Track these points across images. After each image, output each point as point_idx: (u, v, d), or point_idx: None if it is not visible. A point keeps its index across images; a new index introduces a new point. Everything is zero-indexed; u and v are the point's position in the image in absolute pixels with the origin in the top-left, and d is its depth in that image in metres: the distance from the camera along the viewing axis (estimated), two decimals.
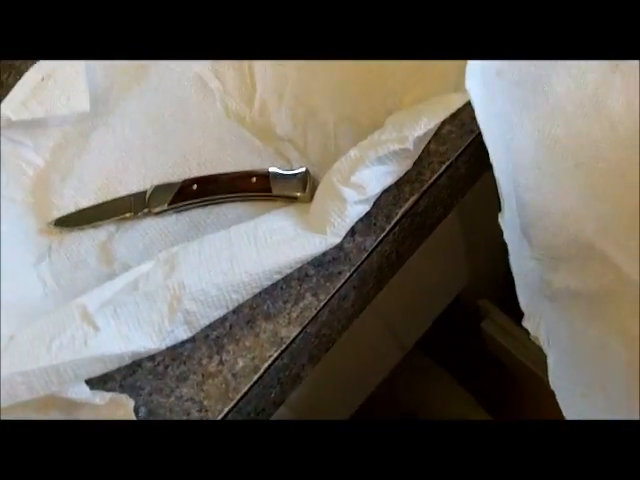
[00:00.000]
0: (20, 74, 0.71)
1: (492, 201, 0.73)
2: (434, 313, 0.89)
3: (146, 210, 0.58)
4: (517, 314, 0.87)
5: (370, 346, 0.81)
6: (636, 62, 0.54)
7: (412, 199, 0.54)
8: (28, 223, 0.61)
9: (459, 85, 0.54)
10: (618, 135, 0.52)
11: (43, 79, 0.61)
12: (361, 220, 0.52)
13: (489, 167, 0.61)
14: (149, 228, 0.58)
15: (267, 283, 0.50)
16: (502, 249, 0.85)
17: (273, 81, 0.60)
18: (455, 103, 0.49)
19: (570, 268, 0.51)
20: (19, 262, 0.58)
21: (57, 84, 0.61)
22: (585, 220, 0.51)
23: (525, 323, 0.48)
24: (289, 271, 0.50)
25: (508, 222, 0.49)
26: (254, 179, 0.56)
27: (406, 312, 0.78)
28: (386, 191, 0.53)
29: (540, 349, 0.84)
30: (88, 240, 0.59)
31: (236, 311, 0.52)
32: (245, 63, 0.61)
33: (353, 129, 0.57)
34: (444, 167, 0.55)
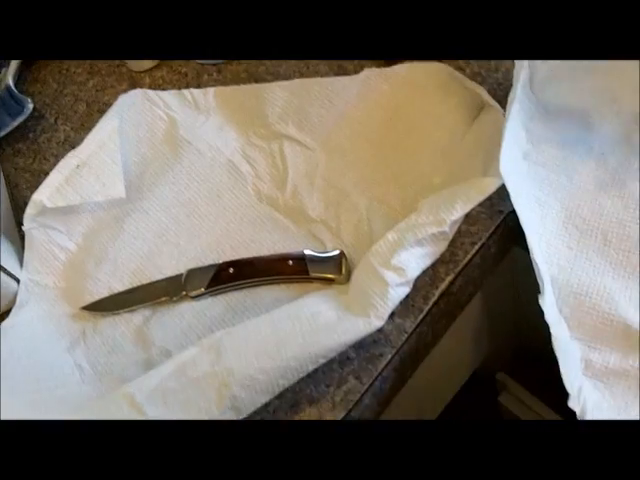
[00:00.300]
0: (45, 159, 0.73)
1: (510, 275, 0.75)
2: (455, 387, 0.89)
3: (182, 294, 0.58)
4: (534, 387, 0.88)
5: None
6: None
7: (448, 279, 0.55)
8: (60, 308, 0.61)
9: (487, 168, 0.57)
10: None
11: (78, 166, 0.63)
12: (400, 302, 0.53)
13: (516, 244, 0.63)
14: (186, 312, 0.58)
15: (312, 367, 0.51)
16: (520, 321, 0.86)
17: (304, 165, 0.62)
18: (489, 187, 0.51)
19: (609, 347, 0.52)
20: (53, 348, 0.59)
21: (92, 171, 0.62)
22: (619, 298, 0.52)
23: (570, 404, 0.49)
24: (334, 355, 0.51)
25: (547, 303, 0.50)
26: (290, 262, 0.57)
27: (429, 388, 0.78)
28: (422, 272, 0.54)
29: None
30: (123, 325, 0.59)
31: (279, 395, 0.52)
32: (276, 148, 0.64)
33: (384, 211, 0.59)
34: (477, 247, 0.56)
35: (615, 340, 0.51)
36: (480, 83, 0.64)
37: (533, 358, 0.86)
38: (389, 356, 0.53)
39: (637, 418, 0.50)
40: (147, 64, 0.76)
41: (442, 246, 0.54)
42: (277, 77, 0.70)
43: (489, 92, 0.62)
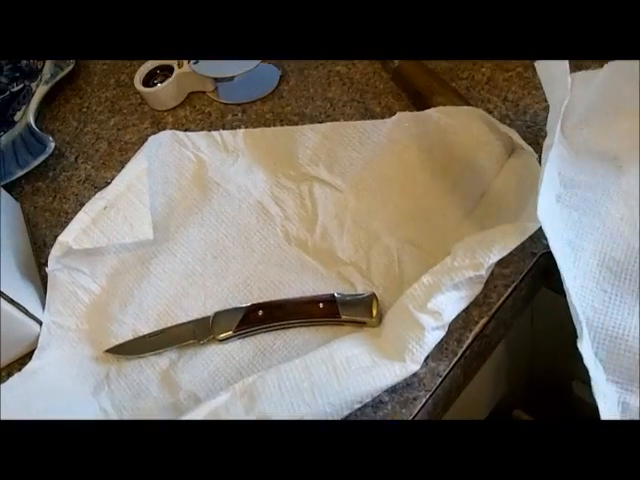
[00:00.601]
0: (65, 198, 0.73)
1: (530, 314, 0.74)
2: None
3: (210, 337, 0.58)
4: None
5: None
6: None
7: (482, 322, 0.55)
8: (83, 351, 0.60)
9: (519, 211, 0.57)
10: None
11: (106, 208, 0.62)
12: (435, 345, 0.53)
13: (544, 285, 0.63)
14: (213, 355, 0.57)
15: (347, 412, 0.50)
16: (535, 359, 0.85)
17: (333, 207, 0.62)
18: (527, 231, 0.51)
19: None
20: (77, 392, 0.58)
21: (120, 213, 0.62)
22: None
23: None
24: (368, 400, 0.51)
25: (585, 347, 0.50)
26: (321, 304, 0.57)
27: None
28: (456, 315, 0.54)
29: None
30: (148, 368, 0.58)
31: None
32: (305, 190, 0.64)
33: (415, 253, 0.59)
34: (510, 290, 0.56)
35: None
36: (509, 125, 0.64)
37: (548, 395, 0.86)
38: (423, 400, 0.52)
39: None
40: (170, 103, 0.77)
41: (477, 289, 0.54)
42: (303, 117, 0.71)
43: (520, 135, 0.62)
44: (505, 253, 0.52)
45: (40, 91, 0.82)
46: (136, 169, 0.65)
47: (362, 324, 0.56)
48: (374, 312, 0.56)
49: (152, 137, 0.67)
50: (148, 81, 0.78)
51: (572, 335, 0.50)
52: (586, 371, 0.50)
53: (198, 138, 0.68)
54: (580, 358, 0.50)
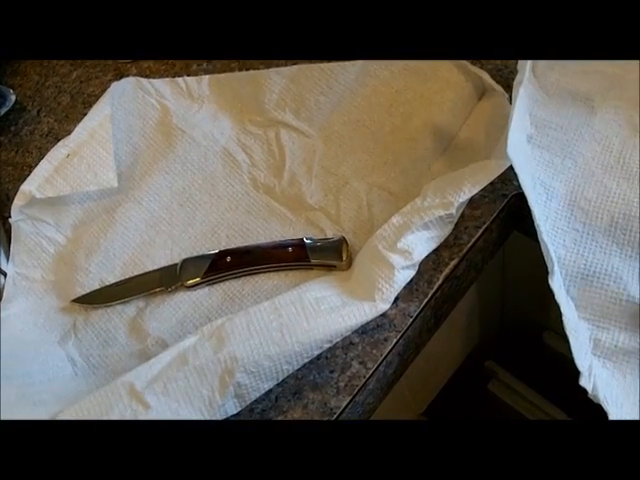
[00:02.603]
0: (28, 152, 0.73)
1: (501, 261, 0.76)
2: (446, 375, 0.90)
3: (178, 284, 0.58)
4: (522, 373, 0.90)
5: (382, 414, 0.81)
6: None
7: (452, 263, 0.56)
8: (50, 302, 0.61)
9: (489, 152, 0.57)
10: None
11: (69, 156, 0.62)
12: (404, 286, 0.54)
13: (515, 228, 0.64)
14: (181, 302, 0.58)
15: (317, 352, 0.51)
16: (508, 308, 0.87)
17: (301, 152, 0.63)
18: (497, 169, 0.52)
19: (617, 326, 0.52)
20: (44, 341, 0.58)
21: (83, 160, 0.62)
22: (627, 278, 0.53)
23: (582, 382, 0.49)
24: (338, 339, 0.51)
25: (556, 284, 0.51)
26: (290, 249, 0.57)
27: (422, 376, 0.79)
28: (426, 257, 0.55)
29: (545, 409, 0.86)
30: (116, 316, 0.59)
31: (281, 383, 0.52)
32: (272, 135, 0.64)
33: (385, 196, 0.60)
34: (480, 231, 0.57)
35: (624, 319, 0.52)
36: (480, 68, 0.65)
37: (520, 345, 0.88)
38: (394, 340, 0.53)
39: None
40: None
41: (448, 229, 0.55)
42: (269, 65, 0.71)
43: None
44: (475, 191, 0.53)
45: None
46: (99, 116, 0.65)
47: (332, 268, 0.57)
48: (344, 256, 0.56)
49: (114, 84, 0.67)
50: None
51: (544, 282, 0.51)
52: (558, 321, 0.51)
53: (162, 85, 0.68)
54: (552, 307, 0.51)
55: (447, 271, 0.56)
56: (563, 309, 0.50)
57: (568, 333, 0.50)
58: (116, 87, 0.67)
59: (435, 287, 0.55)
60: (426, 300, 0.55)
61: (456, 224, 0.57)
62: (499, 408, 0.94)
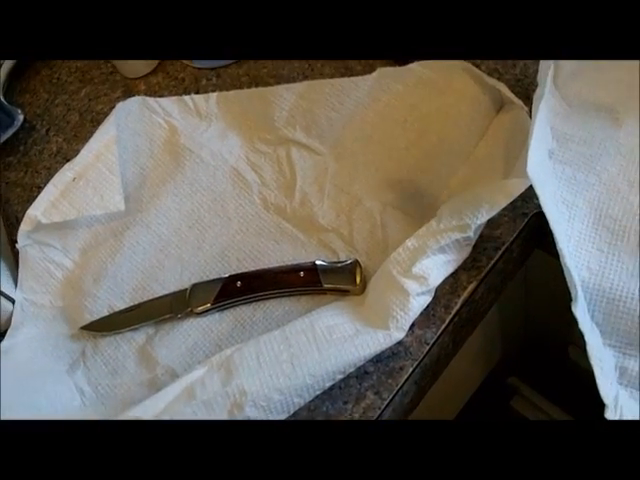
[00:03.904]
0: (37, 172, 0.72)
1: (523, 278, 0.74)
2: (468, 393, 0.89)
3: (187, 310, 0.57)
4: (545, 389, 0.88)
5: None
6: None
7: (470, 287, 0.54)
8: (58, 328, 0.60)
9: (509, 168, 0.56)
10: None
11: (74, 179, 0.62)
12: (420, 312, 0.52)
13: (538, 246, 0.62)
14: (191, 329, 0.57)
15: (329, 384, 0.50)
16: (531, 325, 0.86)
17: (313, 171, 0.62)
18: (516, 189, 0.50)
19: None
20: (52, 370, 0.57)
21: (89, 184, 0.62)
22: None
23: (608, 415, 0.48)
24: (352, 370, 0.50)
25: (580, 310, 0.49)
26: (302, 273, 0.56)
27: (443, 396, 0.78)
28: (443, 280, 0.53)
29: None
30: (125, 344, 0.58)
31: (294, 414, 0.51)
32: (283, 154, 0.63)
33: (400, 216, 0.58)
34: (500, 253, 0.55)
35: None
36: (497, 79, 0.63)
37: (544, 361, 0.86)
38: (410, 369, 0.52)
39: None
40: (142, 70, 0.76)
41: (465, 252, 0.53)
42: (280, 80, 0.70)
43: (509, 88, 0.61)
44: (493, 213, 0.51)
45: (8, 63, 0.81)
46: (104, 138, 0.64)
47: (345, 292, 0.55)
48: (357, 279, 0.55)
49: (120, 104, 0.66)
50: None
51: (567, 298, 0.50)
52: (582, 336, 0.49)
53: (169, 104, 0.67)
54: (575, 322, 0.49)
55: (465, 295, 0.54)
56: (587, 337, 0.48)
57: (593, 363, 0.48)
58: (122, 107, 0.66)
59: (453, 312, 0.54)
60: (443, 326, 0.53)
61: (475, 245, 0.55)
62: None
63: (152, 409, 0.48)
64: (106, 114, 0.74)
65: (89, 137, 0.72)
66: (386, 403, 0.51)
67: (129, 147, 0.66)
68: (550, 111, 0.59)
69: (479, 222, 0.50)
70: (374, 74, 0.62)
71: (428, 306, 0.53)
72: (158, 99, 0.68)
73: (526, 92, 0.62)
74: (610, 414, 0.47)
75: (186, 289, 0.58)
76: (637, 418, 0.49)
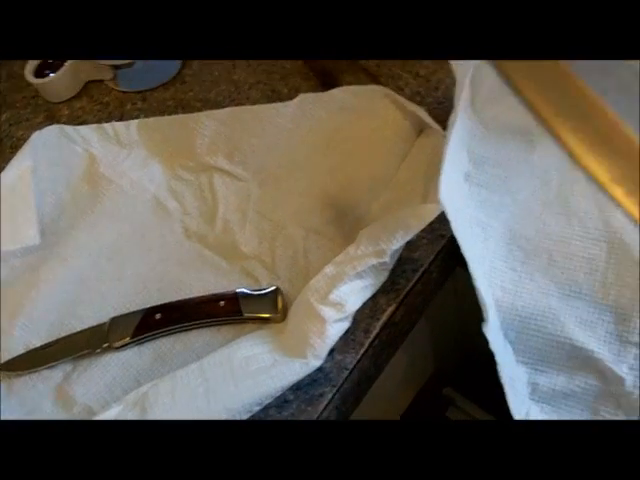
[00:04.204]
0: None
1: (454, 293, 0.74)
2: (403, 405, 0.90)
3: (106, 345, 0.56)
4: (481, 399, 0.89)
5: None
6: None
7: (389, 310, 0.55)
8: None
9: (428, 192, 0.56)
10: (588, 231, 0.54)
11: None
12: (339, 337, 0.52)
13: (458, 264, 0.63)
14: (110, 364, 0.56)
15: (246, 416, 0.49)
16: (464, 336, 0.87)
17: (235, 198, 0.61)
18: (430, 214, 0.50)
19: (555, 369, 0.52)
20: None
21: (3, 217, 0.60)
22: (566, 319, 0.52)
23: None
24: (269, 401, 0.50)
25: (492, 329, 0.50)
26: (222, 302, 0.55)
27: (374, 411, 0.78)
28: (362, 304, 0.54)
29: None
30: (41, 383, 0.56)
31: None
32: (205, 181, 0.62)
33: (322, 242, 0.58)
34: (418, 275, 0.56)
35: (561, 361, 0.52)
36: (419, 103, 0.64)
37: (479, 371, 0.87)
38: (329, 395, 0.52)
39: None
40: (65, 94, 0.75)
41: (383, 277, 0.54)
42: (206, 103, 0.70)
43: (429, 112, 0.62)
44: (408, 238, 0.51)
45: None
46: (19, 168, 0.63)
47: (266, 321, 0.55)
48: (279, 307, 0.55)
49: (36, 133, 0.65)
50: (41, 71, 0.75)
51: None
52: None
53: (88, 132, 0.66)
54: None
55: (384, 318, 0.54)
56: (498, 357, 0.49)
57: (503, 382, 0.49)
58: (38, 136, 0.65)
59: (372, 336, 0.54)
60: (363, 350, 0.53)
61: (393, 268, 0.56)
62: None
63: None
64: (27, 140, 0.72)
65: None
66: None
67: (46, 177, 0.64)
68: (467, 134, 0.60)
69: (394, 247, 0.51)
70: (295, 100, 0.63)
71: (348, 331, 0.53)
72: (77, 127, 0.67)
73: (447, 115, 0.63)
74: None
75: (104, 323, 0.57)
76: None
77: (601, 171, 0.31)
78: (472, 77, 0.58)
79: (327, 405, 0.52)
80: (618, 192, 0.31)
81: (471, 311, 0.81)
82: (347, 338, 0.53)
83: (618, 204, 0.32)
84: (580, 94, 0.31)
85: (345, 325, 0.52)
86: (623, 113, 0.31)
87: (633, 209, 0.31)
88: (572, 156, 0.33)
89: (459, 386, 0.94)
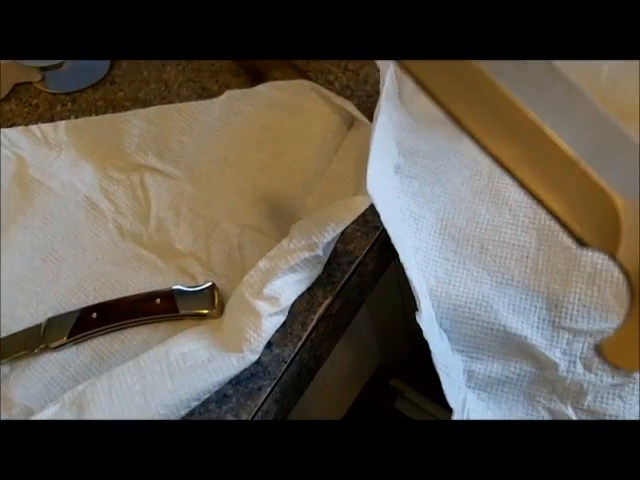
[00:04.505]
0: None
1: (397, 284, 0.76)
2: (349, 399, 0.91)
3: (43, 346, 0.56)
4: (428, 390, 0.91)
5: None
6: None
7: (326, 302, 0.56)
8: None
9: (359, 184, 0.57)
10: (518, 219, 0.56)
11: None
12: (277, 330, 0.53)
13: (395, 256, 0.64)
14: (47, 364, 0.56)
15: (185, 412, 0.50)
16: (410, 327, 0.88)
17: (168, 196, 0.62)
18: (360, 206, 0.52)
19: (490, 356, 0.53)
20: None
21: None
22: (498, 306, 0.53)
23: (455, 417, 0.50)
24: (207, 396, 0.50)
25: (425, 319, 0.51)
26: (158, 300, 0.56)
27: (321, 404, 0.79)
28: (299, 297, 0.54)
29: None
30: None
31: None
32: (137, 180, 0.62)
33: (257, 237, 0.59)
34: (354, 267, 0.57)
35: (496, 348, 0.53)
36: (350, 96, 0.65)
37: (426, 362, 0.89)
38: (268, 389, 0.53)
39: None
40: None
41: (317, 270, 0.55)
42: (136, 102, 0.70)
43: (359, 105, 0.63)
44: (339, 231, 0.52)
45: None
46: None
47: (203, 317, 0.56)
48: (215, 303, 0.55)
49: None
50: None
51: None
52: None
53: (16, 134, 0.66)
54: None
55: (321, 311, 0.55)
56: (432, 346, 0.50)
57: (438, 370, 0.50)
58: None
59: (309, 329, 0.55)
60: (300, 343, 0.54)
61: (329, 261, 0.57)
62: None
63: None
64: None
65: None
66: None
67: None
68: (395, 126, 0.61)
69: (326, 240, 0.52)
70: (222, 97, 0.63)
71: (285, 324, 0.54)
72: (4, 130, 0.66)
73: None
74: (457, 416, 0.50)
75: (41, 324, 0.57)
76: (483, 418, 0.52)
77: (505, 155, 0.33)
78: (397, 70, 0.59)
79: (266, 398, 0.53)
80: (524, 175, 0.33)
81: (415, 302, 0.83)
82: (285, 331, 0.54)
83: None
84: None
85: (281, 319, 0.52)
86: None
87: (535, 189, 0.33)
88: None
89: (406, 377, 0.96)
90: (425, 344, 0.51)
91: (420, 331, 0.51)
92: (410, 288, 0.52)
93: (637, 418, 0.51)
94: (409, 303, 0.82)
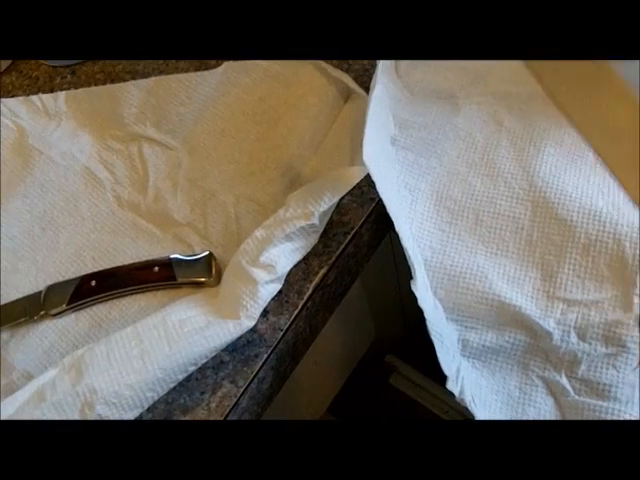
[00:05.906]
0: None
1: (392, 258, 0.77)
2: (344, 374, 0.92)
3: (42, 312, 0.57)
4: (423, 366, 0.92)
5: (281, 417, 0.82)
6: (517, 119, 0.60)
7: (322, 272, 0.57)
8: None
9: (355, 156, 0.59)
10: (513, 191, 0.57)
11: None
12: (273, 299, 0.54)
13: (390, 228, 0.65)
14: (47, 331, 0.57)
15: (182, 376, 0.51)
16: (405, 302, 0.89)
17: (165, 166, 0.63)
18: (356, 176, 0.53)
19: (484, 325, 0.54)
20: None
21: None
22: (493, 276, 0.55)
23: (449, 386, 0.51)
24: (204, 361, 0.52)
25: (420, 288, 0.52)
26: (156, 268, 0.57)
27: (317, 377, 0.80)
28: (295, 267, 0.56)
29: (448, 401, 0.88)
30: None
31: (150, 409, 0.52)
32: (135, 150, 0.64)
33: (253, 207, 0.60)
34: (349, 237, 0.58)
35: (490, 317, 0.54)
36: (347, 70, 0.66)
37: (420, 337, 0.90)
38: (265, 356, 0.54)
39: (515, 394, 0.53)
40: None
41: (313, 239, 0.56)
42: (135, 75, 0.70)
43: (356, 79, 0.64)
44: (335, 200, 0.54)
45: None
46: None
47: (201, 285, 0.57)
48: (212, 272, 0.57)
49: None
50: None
51: None
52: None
53: (16, 104, 0.67)
54: None
55: (317, 280, 0.57)
56: (427, 314, 0.51)
57: (433, 338, 0.51)
58: None
59: (305, 297, 0.56)
60: (296, 312, 0.56)
61: (325, 231, 0.58)
62: (402, 402, 0.96)
63: (3, 413, 0.48)
64: None
65: None
66: (242, 391, 0.53)
67: None
68: (392, 99, 0.62)
69: (322, 209, 0.53)
70: (220, 68, 0.64)
71: (281, 292, 0.55)
72: (5, 100, 0.67)
73: None
74: (451, 385, 0.51)
75: (40, 291, 0.58)
76: (477, 387, 0.53)
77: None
78: None
79: (262, 365, 0.54)
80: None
81: (410, 278, 0.84)
82: (281, 300, 0.56)
83: None
84: None
85: (277, 286, 0.54)
86: None
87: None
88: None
89: (401, 353, 0.97)
90: (420, 319, 0.52)
91: (415, 306, 0.52)
92: (405, 262, 0.53)
93: (632, 404, 0.52)
94: (404, 280, 0.83)
